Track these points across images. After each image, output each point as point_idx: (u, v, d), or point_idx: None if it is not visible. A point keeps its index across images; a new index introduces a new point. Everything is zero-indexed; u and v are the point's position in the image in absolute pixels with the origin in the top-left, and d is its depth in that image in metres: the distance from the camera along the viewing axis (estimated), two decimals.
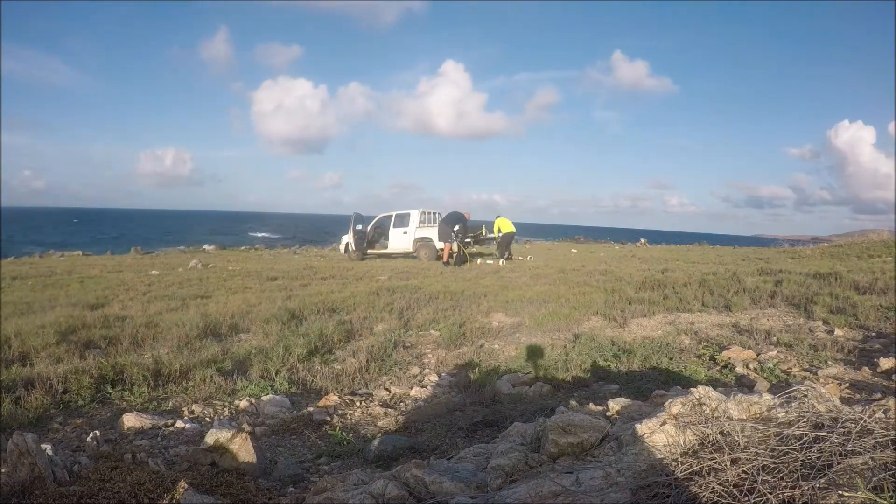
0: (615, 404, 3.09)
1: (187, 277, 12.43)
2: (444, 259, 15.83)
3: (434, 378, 5.37)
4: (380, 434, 3.81)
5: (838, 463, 1.69)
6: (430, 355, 6.16)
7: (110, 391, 4.55)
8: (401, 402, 4.78)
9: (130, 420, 3.82)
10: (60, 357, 5.41)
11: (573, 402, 3.81)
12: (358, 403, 4.66)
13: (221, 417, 4.20)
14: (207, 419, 4.13)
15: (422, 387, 5.12)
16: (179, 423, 3.89)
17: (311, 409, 4.43)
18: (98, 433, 3.49)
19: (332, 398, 4.68)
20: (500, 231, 16.56)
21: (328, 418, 4.22)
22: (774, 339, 5.95)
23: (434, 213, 18.17)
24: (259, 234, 60.53)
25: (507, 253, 16.44)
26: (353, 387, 5.14)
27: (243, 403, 4.42)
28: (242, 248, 29.05)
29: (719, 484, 1.71)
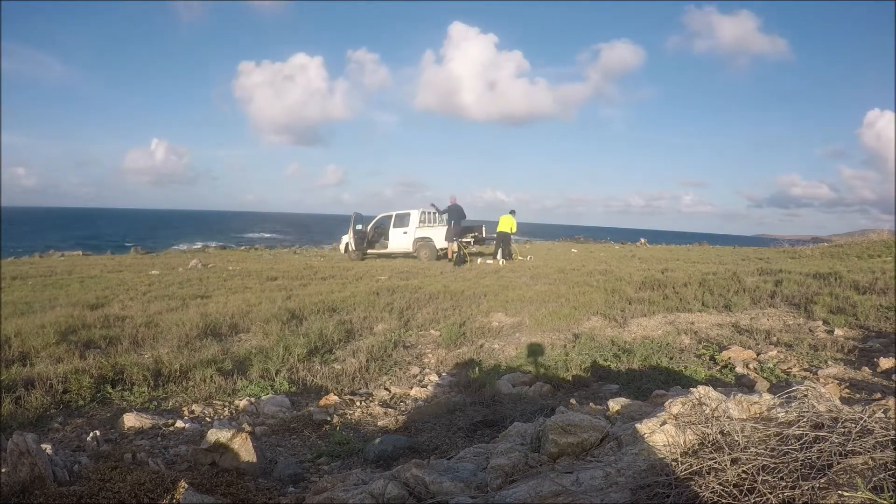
0: (615, 404, 3.09)
1: (187, 277, 12.44)
2: (450, 257, 15.86)
3: (434, 378, 5.37)
4: (380, 434, 3.81)
5: (838, 463, 1.69)
6: (430, 355, 6.16)
7: (110, 391, 4.55)
8: (401, 401, 4.78)
9: (130, 420, 3.83)
10: (60, 357, 5.42)
11: (573, 402, 3.82)
12: (358, 403, 4.66)
13: (221, 417, 4.20)
14: (207, 419, 4.13)
15: (422, 387, 5.12)
16: (179, 423, 3.89)
17: (311, 408, 4.43)
18: (98, 433, 3.49)
19: (332, 398, 4.68)
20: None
21: (328, 418, 4.22)
22: (774, 338, 5.95)
23: (435, 213, 18.17)
24: (259, 235, 60.72)
25: (504, 252, 16.40)
26: (353, 387, 5.14)
27: (243, 403, 4.42)
28: (242, 247, 29.09)
29: (719, 484, 1.71)
